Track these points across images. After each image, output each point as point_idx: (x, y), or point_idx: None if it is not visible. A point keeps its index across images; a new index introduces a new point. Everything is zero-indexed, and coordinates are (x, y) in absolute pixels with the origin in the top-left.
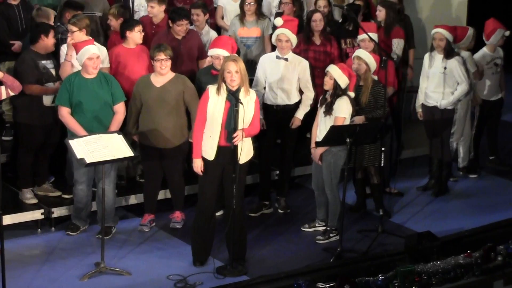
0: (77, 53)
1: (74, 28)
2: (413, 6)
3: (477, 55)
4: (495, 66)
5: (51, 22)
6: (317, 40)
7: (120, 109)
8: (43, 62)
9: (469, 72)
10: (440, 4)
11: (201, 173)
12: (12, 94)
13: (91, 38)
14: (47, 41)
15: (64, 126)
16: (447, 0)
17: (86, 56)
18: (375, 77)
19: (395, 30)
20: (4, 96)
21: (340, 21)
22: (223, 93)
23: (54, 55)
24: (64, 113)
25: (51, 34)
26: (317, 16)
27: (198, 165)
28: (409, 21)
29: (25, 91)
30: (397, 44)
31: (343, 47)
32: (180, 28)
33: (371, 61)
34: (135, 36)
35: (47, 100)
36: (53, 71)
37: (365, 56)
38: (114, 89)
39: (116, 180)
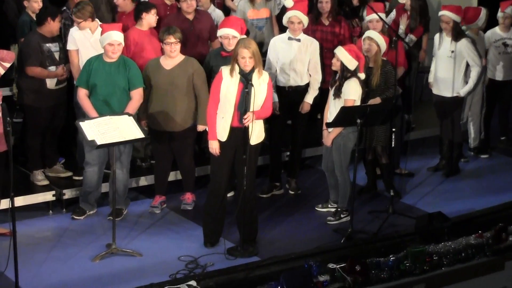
0: (101, 35)
1: (79, 20)
2: None
3: (486, 34)
4: (504, 46)
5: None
6: (325, 21)
7: (135, 95)
8: (48, 45)
9: (480, 53)
10: None
11: (217, 155)
12: (7, 65)
13: (99, 22)
14: (53, 25)
15: (70, 108)
16: None
17: (107, 41)
18: (384, 58)
19: (418, 29)
20: (2, 71)
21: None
22: (236, 74)
23: (65, 36)
24: (81, 94)
25: (58, 18)
26: None
27: (214, 147)
28: (426, 4)
29: (27, 72)
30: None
31: None
32: (186, 5)
33: (382, 42)
34: (151, 18)
35: (50, 83)
36: (57, 55)
37: (376, 36)
38: (131, 75)
39: (139, 162)
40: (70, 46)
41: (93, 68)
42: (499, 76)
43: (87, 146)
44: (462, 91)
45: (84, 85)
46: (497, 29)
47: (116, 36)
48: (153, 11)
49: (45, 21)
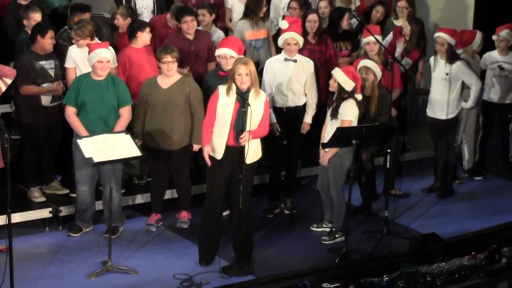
0: (89, 53)
1: (78, 38)
2: (425, 9)
3: (484, 55)
4: (499, 69)
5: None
6: (312, 39)
7: (125, 112)
8: (41, 62)
9: (476, 72)
10: (451, 6)
11: (209, 161)
12: (9, 82)
13: (99, 41)
14: (43, 42)
15: (67, 125)
16: (459, 2)
17: (96, 58)
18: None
19: (413, 52)
20: (3, 88)
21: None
22: (233, 93)
23: (61, 55)
24: (69, 112)
25: (49, 35)
26: (312, 17)
27: (207, 150)
28: (423, 29)
29: (20, 92)
30: (407, 61)
31: None
32: (186, 26)
33: (378, 71)
34: (146, 37)
35: (45, 101)
36: (51, 72)
37: (372, 66)
38: (120, 92)
39: (135, 180)
40: (68, 64)
41: (82, 86)
42: (493, 98)
43: (77, 165)
44: (465, 105)
45: (72, 103)
46: (494, 52)
47: (105, 53)
48: (147, 30)
49: (35, 38)
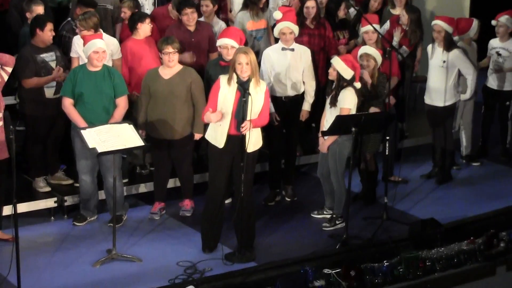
0: (84, 45)
1: (82, 28)
2: None
3: (489, 42)
4: (497, 55)
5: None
6: (310, 24)
7: (121, 102)
8: (42, 55)
9: (472, 62)
10: None
11: (220, 113)
12: (10, 70)
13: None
14: (43, 35)
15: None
16: None
17: (92, 49)
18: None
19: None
20: (6, 77)
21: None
22: (234, 83)
23: (64, 47)
24: (67, 103)
25: (48, 27)
26: (310, 3)
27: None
28: (420, 18)
29: (24, 86)
30: (404, 50)
31: None
32: (186, 18)
33: (379, 57)
34: (146, 28)
35: (49, 93)
36: (53, 64)
37: (373, 52)
38: (116, 83)
39: (139, 170)
40: (72, 53)
41: (78, 77)
42: (493, 84)
43: (77, 155)
44: (463, 97)
45: (69, 95)
46: (497, 39)
47: (100, 43)
48: (147, 20)
49: (34, 32)
